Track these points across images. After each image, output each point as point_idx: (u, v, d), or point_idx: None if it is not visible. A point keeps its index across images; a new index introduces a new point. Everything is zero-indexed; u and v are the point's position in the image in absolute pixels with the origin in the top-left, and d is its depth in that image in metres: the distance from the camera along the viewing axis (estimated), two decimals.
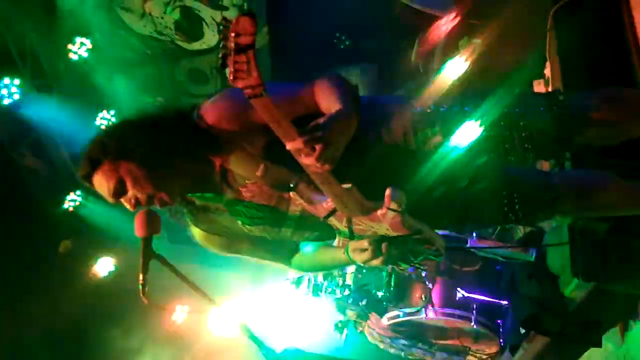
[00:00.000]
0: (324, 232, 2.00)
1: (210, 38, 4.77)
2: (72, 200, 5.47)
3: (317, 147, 1.64)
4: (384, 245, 1.86)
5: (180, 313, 6.72)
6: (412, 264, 1.99)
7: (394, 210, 1.86)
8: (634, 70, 2.76)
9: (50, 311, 5.24)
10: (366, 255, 1.86)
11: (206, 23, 4.67)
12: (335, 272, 3.97)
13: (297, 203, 1.93)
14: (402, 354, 3.97)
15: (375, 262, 1.90)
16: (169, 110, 1.99)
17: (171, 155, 1.92)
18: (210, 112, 1.89)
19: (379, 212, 1.87)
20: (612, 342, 2.95)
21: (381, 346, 3.97)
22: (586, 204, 2.21)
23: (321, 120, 1.70)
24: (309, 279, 4.13)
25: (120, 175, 1.90)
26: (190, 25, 4.68)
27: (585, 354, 3.12)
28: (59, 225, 5.54)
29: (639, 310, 2.76)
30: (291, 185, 1.89)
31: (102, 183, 1.94)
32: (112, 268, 5.84)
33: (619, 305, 2.78)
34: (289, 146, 1.64)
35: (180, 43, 4.85)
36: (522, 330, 3.25)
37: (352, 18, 4.02)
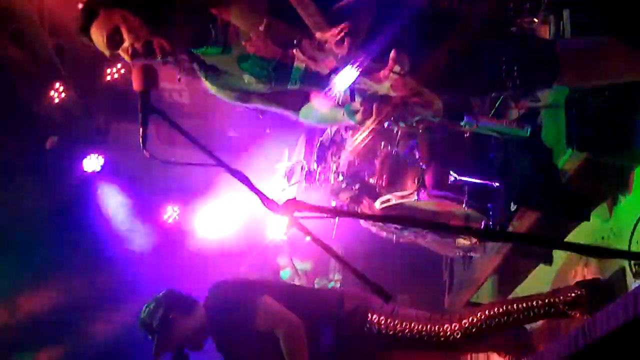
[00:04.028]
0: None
1: None
2: (57, 93, 5.36)
3: (346, 40, 1.68)
4: (375, 107, 1.90)
5: (171, 213, 6.75)
6: (409, 123, 2.02)
7: (396, 73, 1.87)
8: None
9: (39, 205, 5.28)
10: (358, 116, 1.89)
11: None
12: (329, 158, 3.99)
13: (300, 59, 1.93)
14: (394, 237, 4.06)
15: (369, 123, 1.95)
16: None
17: (169, 3, 1.88)
18: None
19: (382, 73, 1.88)
20: (599, 216, 3.03)
21: (373, 230, 4.06)
22: (588, 71, 2.21)
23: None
24: (301, 167, 4.15)
25: (115, 23, 1.86)
26: None
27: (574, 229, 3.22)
28: (45, 120, 5.46)
29: (630, 184, 2.81)
30: (294, 42, 1.88)
31: (98, 34, 1.92)
32: (102, 163, 5.82)
33: (611, 179, 2.84)
34: (318, 36, 1.74)
35: None
36: (513, 208, 3.32)
37: None
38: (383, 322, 3.10)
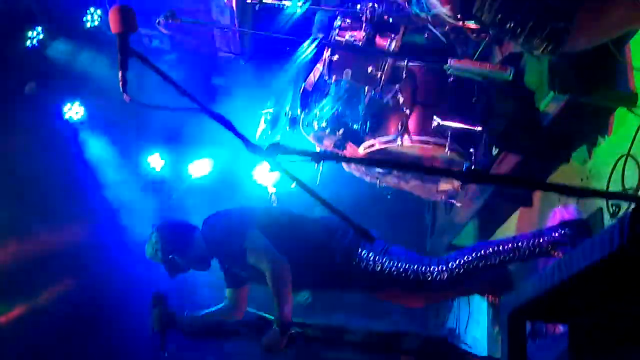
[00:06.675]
0: None
1: None
2: (34, 37, 5.21)
3: None
4: None
5: (157, 160, 6.59)
6: None
7: None
8: None
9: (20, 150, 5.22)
10: None
11: None
12: (313, 105, 3.96)
13: None
14: (377, 181, 4.10)
15: None
16: None
17: None
18: None
19: None
20: (578, 158, 3.07)
21: (356, 174, 4.08)
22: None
23: None
24: (285, 113, 4.12)
25: None
26: None
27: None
28: (23, 65, 5.33)
29: (609, 125, 2.84)
30: None
31: None
32: (82, 111, 5.73)
33: (591, 120, 2.86)
34: None
35: None
36: (494, 152, 3.35)
37: None
38: (372, 258, 3.15)
